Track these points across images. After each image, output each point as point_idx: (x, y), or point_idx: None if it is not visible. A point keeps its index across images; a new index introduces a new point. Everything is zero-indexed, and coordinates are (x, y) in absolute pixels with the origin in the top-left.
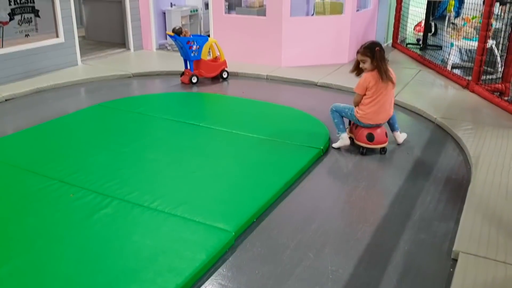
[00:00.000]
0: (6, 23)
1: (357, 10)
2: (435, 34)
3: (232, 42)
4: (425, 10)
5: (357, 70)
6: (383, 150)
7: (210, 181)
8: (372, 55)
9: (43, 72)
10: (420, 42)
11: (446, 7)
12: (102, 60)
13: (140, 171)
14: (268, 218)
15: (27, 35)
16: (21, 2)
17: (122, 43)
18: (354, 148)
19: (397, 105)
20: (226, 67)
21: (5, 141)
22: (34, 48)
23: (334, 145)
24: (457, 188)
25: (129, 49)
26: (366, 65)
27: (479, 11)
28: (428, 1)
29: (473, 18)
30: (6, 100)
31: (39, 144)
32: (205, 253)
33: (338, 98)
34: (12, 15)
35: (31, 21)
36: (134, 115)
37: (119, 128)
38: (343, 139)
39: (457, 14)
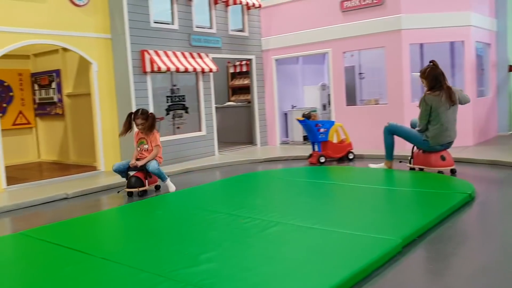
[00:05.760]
0: (162, 118)
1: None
2: None
3: (354, 131)
4: None
5: None
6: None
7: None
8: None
9: (189, 159)
10: None
11: None
12: (234, 152)
13: (294, 211)
14: None
15: (178, 127)
16: (176, 100)
17: (248, 142)
18: None
19: None
20: (352, 148)
21: (177, 194)
22: (182, 138)
23: None
24: None
25: (255, 144)
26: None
27: None
28: None
29: None
30: None
31: (207, 196)
32: None
33: (468, 172)
34: (168, 111)
35: (182, 116)
36: (286, 180)
37: (267, 187)
38: None
39: None
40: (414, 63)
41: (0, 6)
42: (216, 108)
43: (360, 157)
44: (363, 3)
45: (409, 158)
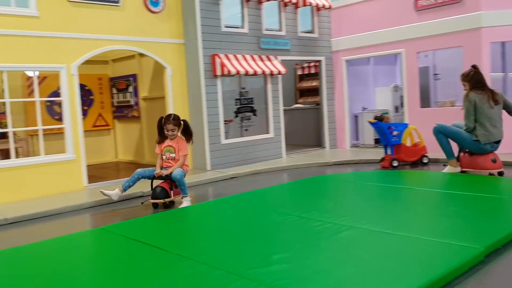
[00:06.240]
0: (231, 120)
1: None
2: None
3: (428, 133)
4: None
5: None
6: None
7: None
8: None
9: (257, 161)
10: None
11: None
12: (302, 155)
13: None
14: None
15: (246, 130)
16: (244, 103)
17: (316, 145)
18: None
19: None
20: (427, 152)
21: (249, 195)
22: (250, 140)
23: None
24: None
25: (324, 147)
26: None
27: None
28: None
29: None
30: (231, 178)
31: (276, 198)
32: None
33: None
34: (236, 113)
35: (250, 119)
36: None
37: (337, 191)
38: None
39: None
40: (495, 63)
41: (83, 14)
42: (284, 110)
43: (435, 161)
44: (439, 1)
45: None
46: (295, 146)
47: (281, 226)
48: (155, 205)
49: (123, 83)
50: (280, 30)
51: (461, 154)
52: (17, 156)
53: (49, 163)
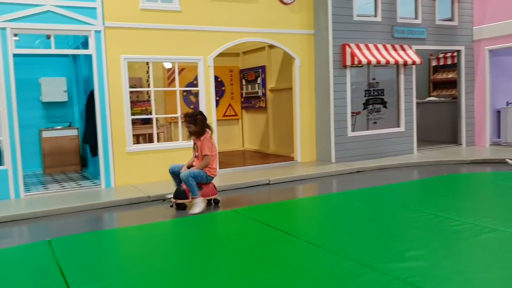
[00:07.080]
0: (359, 112)
1: None
2: None
3: None
4: None
5: None
6: None
7: None
8: None
9: (385, 155)
10: None
11: None
12: (435, 151)
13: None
14: None
15: (375, 122)
16: (374, 94)
17: (451, 141)
18: None
19: None
20: None
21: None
22: (379, 133)
23: None
24: None
25: (460, 144)
26: None
27: None
28: None
29: None
30: (357, 171)
31: (407, 194)
32: None
33: None
34: (365, 105)
35: (379, 111)
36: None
37: (476, 191)
38: None
39: None
40: None
41: (219, 8)
42: (416, 103)
43: None
44: None
45: None
46: (428, 142)
47: (415, 223)
48: (177, 205)
49: (253, 75)
50: (415, 18)
51: None
52: (159, 140)
53: (187, 148)
